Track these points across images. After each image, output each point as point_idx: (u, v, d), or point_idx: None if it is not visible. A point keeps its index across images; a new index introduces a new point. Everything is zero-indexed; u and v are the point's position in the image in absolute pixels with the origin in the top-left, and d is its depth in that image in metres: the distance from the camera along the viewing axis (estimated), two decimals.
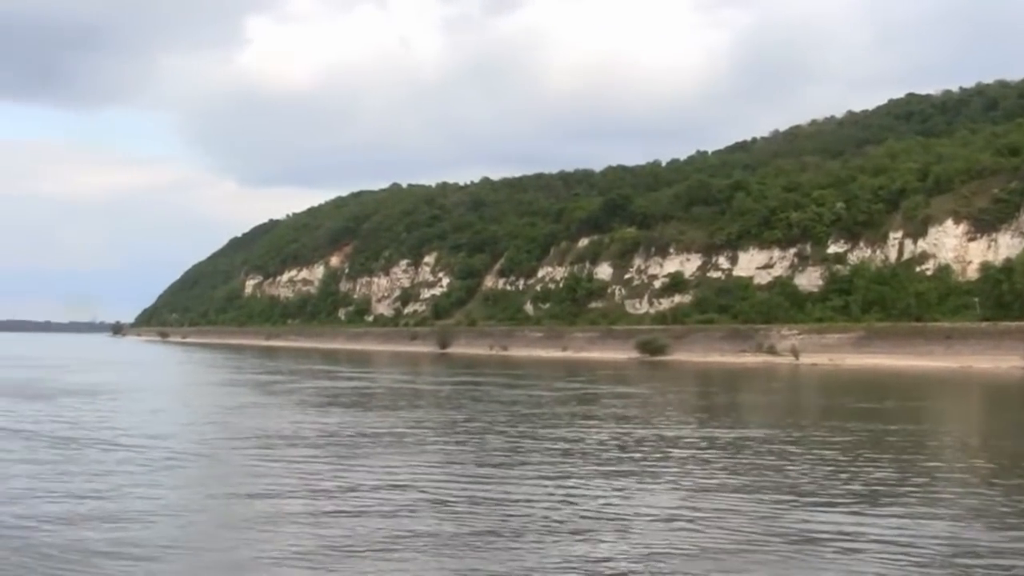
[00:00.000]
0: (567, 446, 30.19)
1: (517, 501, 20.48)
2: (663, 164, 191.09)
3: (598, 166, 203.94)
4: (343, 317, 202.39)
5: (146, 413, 42.00)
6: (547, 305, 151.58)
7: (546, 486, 22.31)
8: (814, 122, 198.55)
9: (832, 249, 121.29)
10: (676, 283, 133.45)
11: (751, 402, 55.44)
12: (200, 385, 67.43)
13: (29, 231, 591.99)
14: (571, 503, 20.31)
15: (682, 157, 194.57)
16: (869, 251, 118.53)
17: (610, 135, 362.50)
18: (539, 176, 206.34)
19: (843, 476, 24.06)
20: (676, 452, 29.01)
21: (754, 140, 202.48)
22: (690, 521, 18.32)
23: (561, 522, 18.37)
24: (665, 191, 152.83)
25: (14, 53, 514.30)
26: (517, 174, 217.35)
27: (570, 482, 23.01)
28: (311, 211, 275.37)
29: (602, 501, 20.59)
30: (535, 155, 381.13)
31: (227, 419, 38.63)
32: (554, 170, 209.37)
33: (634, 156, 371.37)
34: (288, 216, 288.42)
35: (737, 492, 21.63)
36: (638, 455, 28.19)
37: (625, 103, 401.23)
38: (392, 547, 16.37)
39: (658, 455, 28.20)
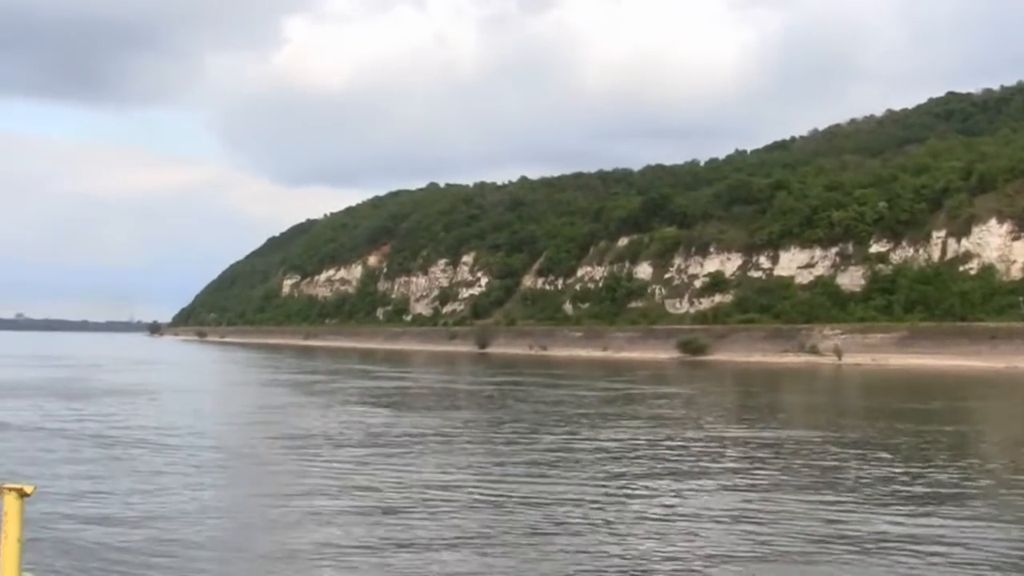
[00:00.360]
0: (618, 446, 29.89)
1: (572, 501, 20.19)
2: (701, 163, 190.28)
3: (634, 165, 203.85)
4: (381, 317, 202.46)
5: (189, 413, 41.97)
6: (586, 305, 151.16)
7: (603, 487, 22.07)
8: (853, 121, 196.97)
9: (874, 248, 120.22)
10: (717, 282, 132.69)
11: (799, 402, 54.91)
12: (241, 385, 67.55)
13: (66, 230, 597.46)
14: (628, 504, 20.05)
15: (720, 156, 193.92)
16: (912, 250, 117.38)
17: (646, 134, 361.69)
18: (577, 175, 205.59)
19: (904, 478, 23.65)
20: (731, 452, 28.70)
21: (793, 139, 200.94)
22: (754, 523, 17.99)
23: (618, 523, 18.10)
24: (705, 190, 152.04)
25: (52, 52, 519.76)
26: (554, 173, 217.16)
27: (625, 483, 22.75)
28: (348, 211, 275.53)
29: (661, 502, 20.30)
30: (572, 154, 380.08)
31: (271, 419, 38.56)
32: (591, 169, 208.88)
33: (671, 155, 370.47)
34: (325, 216, 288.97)
35: (798, 494, 21.24)
36: (693, 456, 27.85)
37: (661, 102, 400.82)
38: (442, 546, 16.19)
39: (713, 456, 27.87)
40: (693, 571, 14.75)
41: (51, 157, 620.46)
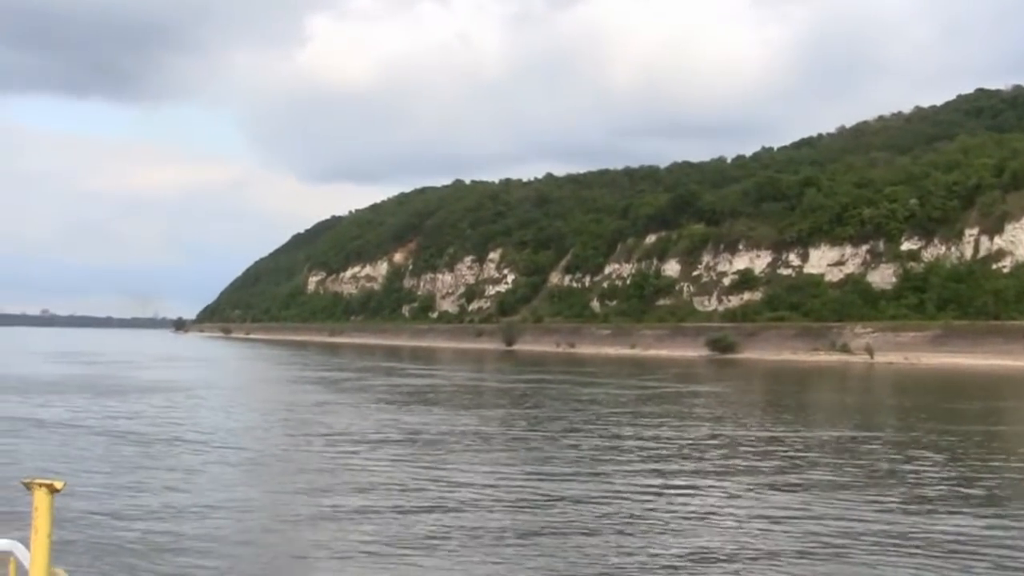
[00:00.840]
0: (661, 445, 29.53)
1: (622, 499, 19.89)
2: (728, 160, 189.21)
3: (659, 162, 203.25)
4: (407, 314, 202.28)
5: (222, 410, 41.80)
6: (614, 302, 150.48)
7: (653, 486, 21.75)
8: (881, 118, 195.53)
9: (906, 246, 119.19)
10: (746, 280, 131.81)
11: (837, 401, 54.26)
12: (272, 382, 67.23)
13: (90, 228, 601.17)
14: (680, 502, 19.69)
15: (747, 153, 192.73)
16: (944, 248, 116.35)
17: (671, 131, 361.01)
18: (604, 172, 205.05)
19: (960, 478, 23.21)
20: (779, 451, 28.28)
21: (820, 136, 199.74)
22: (811, 522, 17.56)
23: (671, 521, 17.72)
24: (734, 187, 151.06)
25: (78, 49, 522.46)
26: (580, 170, 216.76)
27: (675, 481, 22.43)
28: (374, 207, 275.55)
29: (713, 501, 19.97)
30: (596, 151, 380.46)
31: (306, 417, 38.20)
32: (616, 166, 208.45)
33: (696, 152, 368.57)
34: (351, 212, 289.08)
35: (853, 494, 20.83)
36: (739, 455, 27.44)
37: (686, 99, 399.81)
38: (488, 543, 15.92)
39: (759, 455, 27.43)
40: (752, 571, 14.36)
41: (77, 154, 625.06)
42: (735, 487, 21.77)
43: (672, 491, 21.11)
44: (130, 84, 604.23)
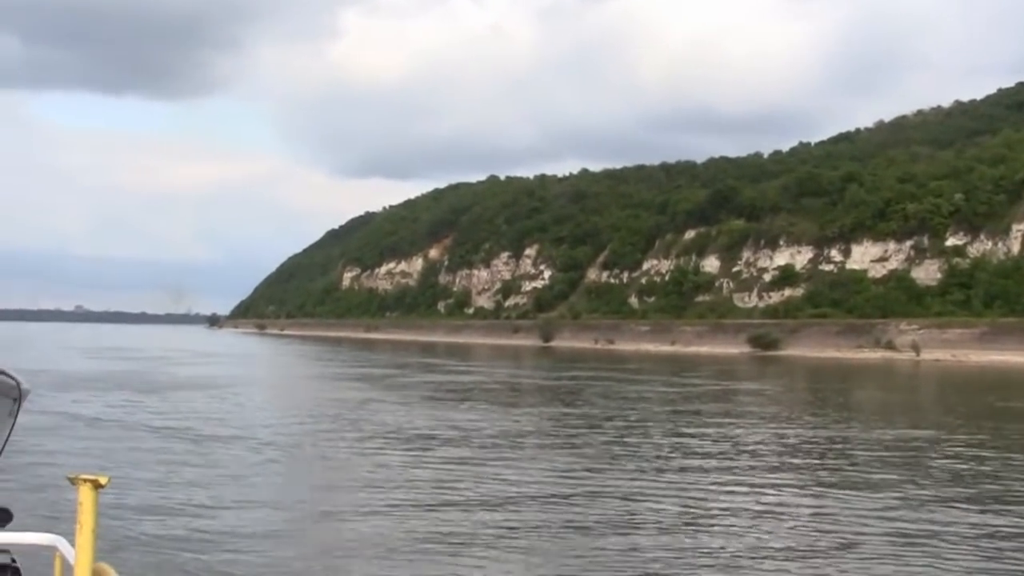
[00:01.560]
0: (728, 446, 28.77)
1: (701, 500, 19.09)
2: (765, 156, 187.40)
3: (692, 156, 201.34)
4: (442, 310, 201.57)
5: (268, 407, 41.25)
6: (652, 298, 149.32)
7: (722, 486, 21.05)
8: (920, 112, 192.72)
9: (951, 242, 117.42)
10: (787, 276, 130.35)
11: (890, 399, 53.10)
12: (314, 379, 66.39)
13: (123, 223, 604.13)
14: (770, 507, 18.76)
15: (782, 149, 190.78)
16: (990, 243, 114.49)
17: (703, 126, 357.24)
18: (640, 168, 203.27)
19: None
20: (856, 453, 27.32)
21: (858, 131, 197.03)
22: (926, 537, 16.41)
23: (750, 520, 16.78)
24: (774, 182, 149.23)
25: (114, 47, 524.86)
26: (613, 165, 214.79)
27: (749, 480, 21.76)
28: (408, 203, 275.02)
29: (809, 508, 18.98)
30: (628, 146, 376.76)
31: (355, 415, 37.34)
32: (648, 161, 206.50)
33: (728, 147, 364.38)
34: (385, 208, 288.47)
35: (943, 500, 19.64)
36: (811, 457, 26.63)
37: (718, 94, 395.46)
38: (563, 538, 14.93)
39: (834, 456, 26.61)
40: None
41: (111, 149, 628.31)
42: (805, 486, 21.17)
43: (745, 490, 20.51)
44: (165, 81, 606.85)
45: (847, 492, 20.68)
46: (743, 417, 38.40)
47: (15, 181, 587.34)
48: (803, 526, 17.25)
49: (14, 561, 4.88)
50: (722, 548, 15.47)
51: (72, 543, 3.80)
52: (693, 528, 17.00)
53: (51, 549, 4.01)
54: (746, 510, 18.63)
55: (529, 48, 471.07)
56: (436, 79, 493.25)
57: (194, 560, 14.38)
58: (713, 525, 17.28)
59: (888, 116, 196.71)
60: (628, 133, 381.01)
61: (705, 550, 15.34)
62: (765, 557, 14.91)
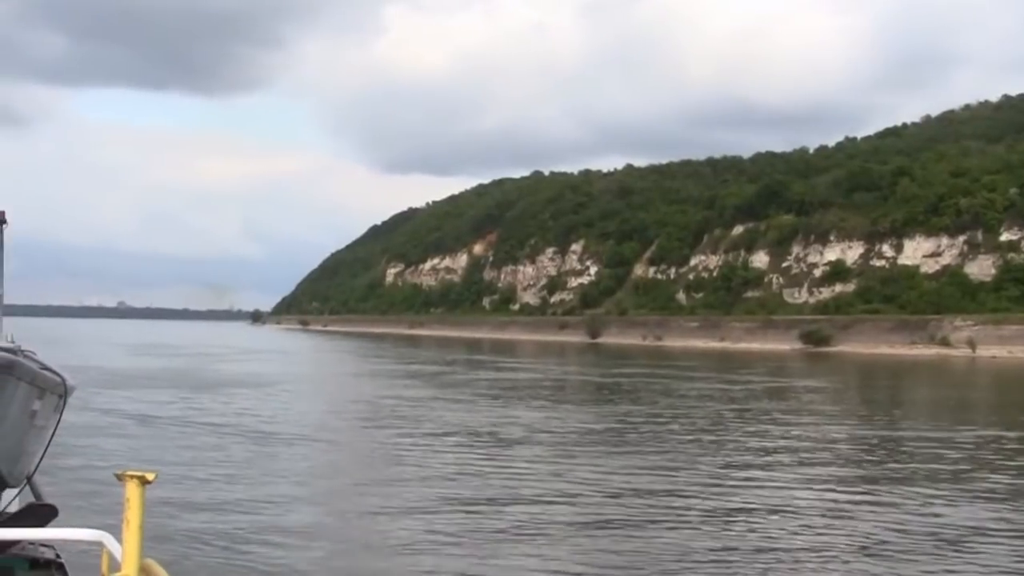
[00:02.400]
0: (810, 445, 28.35)
1: (807, 512, 18.47)
2: (811, 151, 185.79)
3: (735, 151, 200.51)
4: (487, 306, 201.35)
5: (326, 406, 40.84)
6: (700, 294, 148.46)
7: (819, 488, 20.47)
8: (968, 107, 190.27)
9: (1005, 236, 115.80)
10: (837, 272, 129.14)
11: (960, 397, 51.78)
12: (366, 376, 65.51)
13: (165, 219, 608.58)
14: (881, 516, 18.06)
15: (829, 143, 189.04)
16: None
17: (746, 120, 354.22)
18: (686, 163, 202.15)
19: None
20: (949, 453, 26.45)
21: (904, 125, 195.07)
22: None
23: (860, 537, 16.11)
24: (824, 177, 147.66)
25: (157, 43, 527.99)
26: (655, 161, 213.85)
27: (862, 488, 21.04)
28: (452, 199, 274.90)
29: (920, 514, 18.27)
30: (672, 141, 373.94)
31: (423, 415, 36.64)
32: (691, 156, 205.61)
33: (771, 142, 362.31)
34: (428, 204, 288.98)
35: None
36: (902, 458, 25.90)
37: (762, 88, 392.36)
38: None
39: (926, 458, 25.73)
40: None
41: (154, 146, 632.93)
42: (938, 495, 20.23)
43: (824, 488, 20.14)
44: (207, 77, 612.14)
45: (934, 489, 20.11)
46: (812, 414, 37.91)
47: (58, 178, 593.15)
48: (884, 525, 16.75)
49: (59, 557, 4.95)
50: (810, 548, 15.14)
51: (117, 539, 3.86)
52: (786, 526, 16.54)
53: (97, 545, 3.95)
54: (830, 509, 18.27)
55: (572, 44, 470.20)
56: (479, 75, 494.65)
57: (251, 553, 14.41)
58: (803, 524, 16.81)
59: (934, 111, 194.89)
60: (671, 128, 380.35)
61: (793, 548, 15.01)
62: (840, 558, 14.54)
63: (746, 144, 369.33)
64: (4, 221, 5.86)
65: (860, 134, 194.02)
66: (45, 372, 5.10)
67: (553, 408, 39.82)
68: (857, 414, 39.28)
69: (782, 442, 28.75)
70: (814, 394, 49.91)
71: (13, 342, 5.01)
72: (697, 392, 49.26)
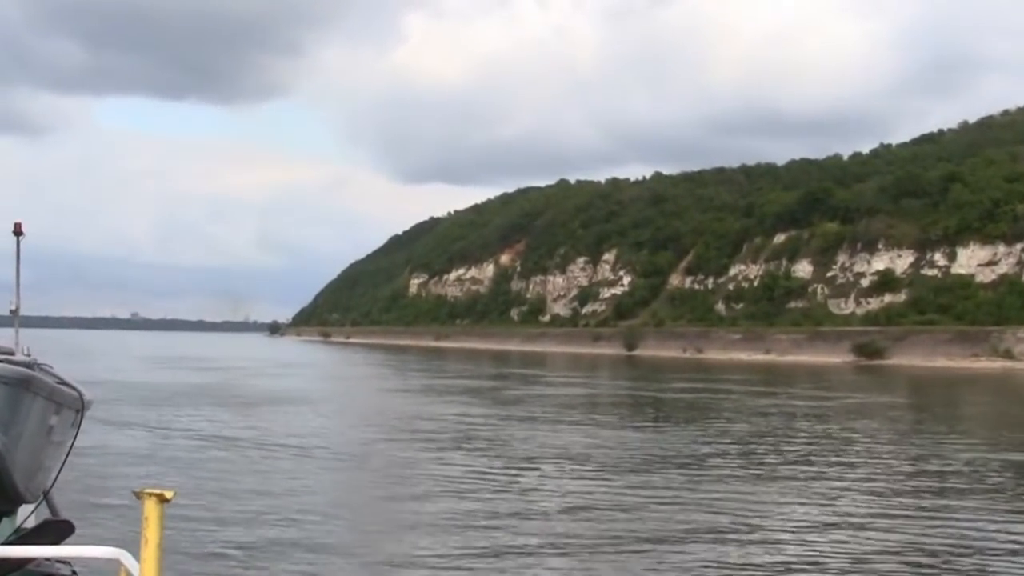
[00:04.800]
0: (910, 469, 25.44)
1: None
2: (844, 157, 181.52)
3: (761, 159, 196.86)
4: (516, 317, 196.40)
5: (379, 426, 36.49)
6: (741, 305, 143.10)
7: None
8: (1006, 112, 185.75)
9: None
10: (886, 281, 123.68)
11: None
12: (411, 392, 59.36)
13: (181, 229, 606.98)
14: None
15: (861, 150, 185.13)
16: None
17: (773, 128, 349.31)
18: (719, 170, 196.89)
19: None
20: None
21: (941, 132, 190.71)
22: None
23: None
24: (870, 183, 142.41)
25: (176, 51, 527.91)
26: (681, 168, 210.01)
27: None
28: (476, 208, 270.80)
29: None
30: (697, 149, 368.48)
31: (500, 435, 32.73)
32: (718, 164, 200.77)
33: (800, 149, 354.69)
34: (450, 213, 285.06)
35: None
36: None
37: (789, 95, 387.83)
38: None
39: None
40: None
41: (171, 155, 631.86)
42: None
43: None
44: (225, 85, 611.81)
45: None
46: (908, 435, 34.62)
47: (75, 187, 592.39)
48: None
49: (75, 574, 4.97)
50: None
51: (135, 557, 3.83)
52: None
53: (115, 563, 3.92)
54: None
55: (594, 50, 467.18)
56: (500, 83, 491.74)
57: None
58: None
59: (965, 116, 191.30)
60: (695, 135, 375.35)
61: None
62: None
63: (772, 150, 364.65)
64: (21, 232, 6.09)
65: (889, 140, 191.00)
66: (62, 387, 5.22)
67: (638, 429, 36.11)
68: (974, 434, 34.83)
69: (905, 464, 25.87)
70: (892, 410, 45.91)
71: (29, 355, 5.18)
72: (775, 408, 45.42)
